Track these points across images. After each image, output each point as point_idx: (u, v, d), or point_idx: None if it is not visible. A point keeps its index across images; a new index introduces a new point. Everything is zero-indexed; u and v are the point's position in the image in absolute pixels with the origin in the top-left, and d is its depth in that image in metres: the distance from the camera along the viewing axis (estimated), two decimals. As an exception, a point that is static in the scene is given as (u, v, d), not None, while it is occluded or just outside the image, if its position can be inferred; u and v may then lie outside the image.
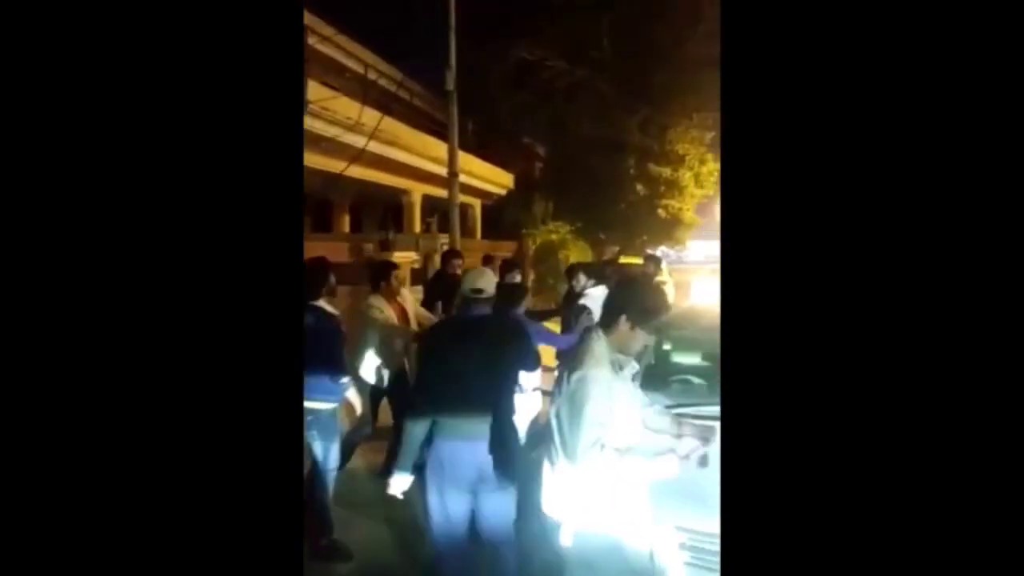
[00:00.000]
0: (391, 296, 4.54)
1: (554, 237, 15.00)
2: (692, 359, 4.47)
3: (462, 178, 11.44)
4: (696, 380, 3.90)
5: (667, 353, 4.60)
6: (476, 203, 16.33)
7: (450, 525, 2.71)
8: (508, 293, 4.11)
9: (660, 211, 17.57)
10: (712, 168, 18.21)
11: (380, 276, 4.56)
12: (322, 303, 3.54)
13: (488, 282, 2.98)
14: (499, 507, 2.75)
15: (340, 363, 3.52)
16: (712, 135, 18.20)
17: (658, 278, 14.91)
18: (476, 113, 15.41)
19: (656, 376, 3.89)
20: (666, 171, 17.19)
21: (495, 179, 15.86)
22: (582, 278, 5.40)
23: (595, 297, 4.81)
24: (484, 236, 15.83)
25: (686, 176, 17.41)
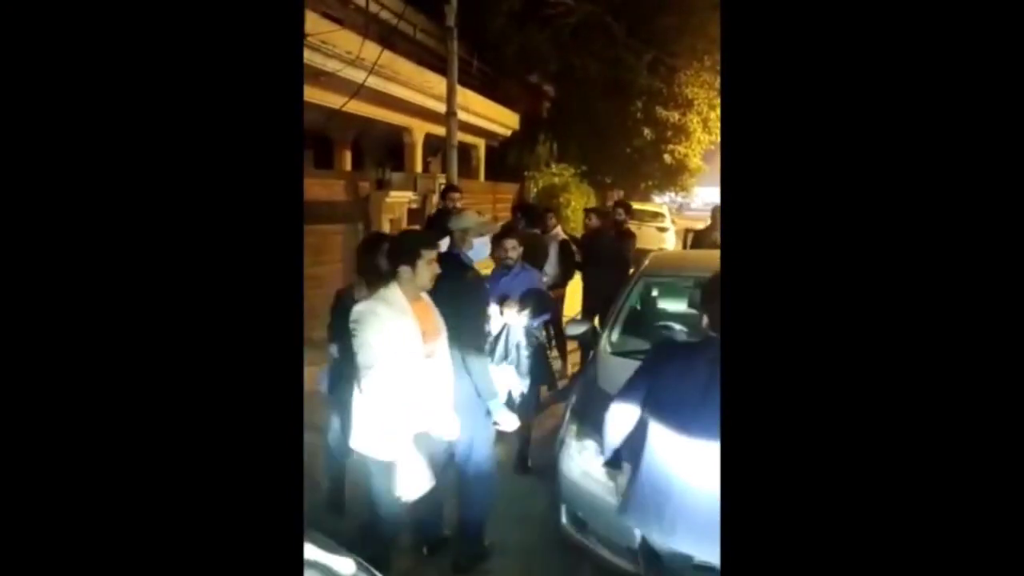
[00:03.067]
0: (415, 294, 2.55)
1: (557, 180, 14.86)
2: (678, 306, 4.51)
3: (465, 117, 11.26)
4: (677, 327, 3.95)
5: (654, 299, 4.64)
6: (480, 143, 16.12)
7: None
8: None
9: (666, 156, 17.36)
10: (721, 114, 17.89)
11: (404, 255, 2.50)
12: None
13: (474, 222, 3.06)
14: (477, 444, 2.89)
15: None
16: (722, 79, 17.79)
17: (660, 224, 14.92)
18: (482, 51, 15.07)
19: (639, 322, 3.94)
20: (674, 115, 16.90)
21: (500, 119, 15.61)
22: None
23: None
24: (487, 177, 15.69)
25: (694, 121, 17.13)
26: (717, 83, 17.58)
